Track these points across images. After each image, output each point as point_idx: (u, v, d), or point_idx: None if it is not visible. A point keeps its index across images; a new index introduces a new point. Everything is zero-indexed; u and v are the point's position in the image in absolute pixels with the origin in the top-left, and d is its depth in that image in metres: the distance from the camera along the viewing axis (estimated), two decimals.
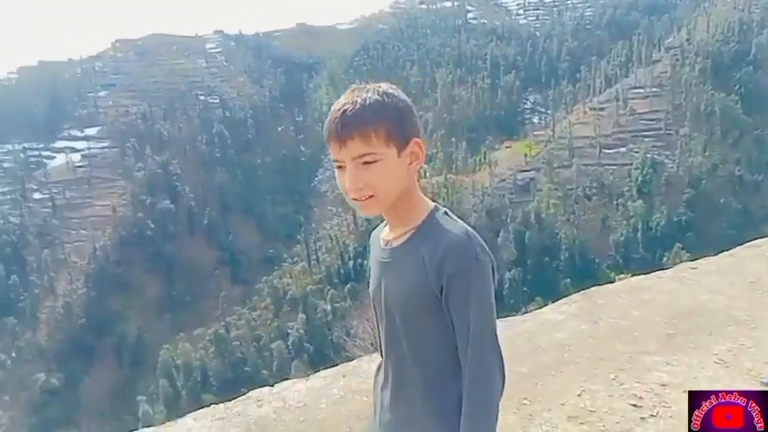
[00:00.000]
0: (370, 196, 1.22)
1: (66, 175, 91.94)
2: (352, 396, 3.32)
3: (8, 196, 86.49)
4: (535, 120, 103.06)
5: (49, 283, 74.50)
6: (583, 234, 70.09)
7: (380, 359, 1.42)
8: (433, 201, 1.30)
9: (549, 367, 3.37)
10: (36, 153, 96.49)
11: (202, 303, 76.71)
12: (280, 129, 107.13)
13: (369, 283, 1.45)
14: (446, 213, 1.29)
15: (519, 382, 3.26)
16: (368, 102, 1.20)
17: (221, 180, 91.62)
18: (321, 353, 52.99)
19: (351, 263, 69.08)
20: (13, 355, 65.25)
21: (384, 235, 1.37)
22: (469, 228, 1.25)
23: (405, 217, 1.29)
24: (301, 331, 61.42)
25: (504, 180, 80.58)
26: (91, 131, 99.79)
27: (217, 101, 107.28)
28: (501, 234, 68.78)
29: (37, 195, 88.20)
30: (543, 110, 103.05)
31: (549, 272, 64.78)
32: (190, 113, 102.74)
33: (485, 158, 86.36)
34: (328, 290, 66.86)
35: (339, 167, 1.24)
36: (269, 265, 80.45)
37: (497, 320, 1.22)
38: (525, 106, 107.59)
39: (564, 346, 3.59)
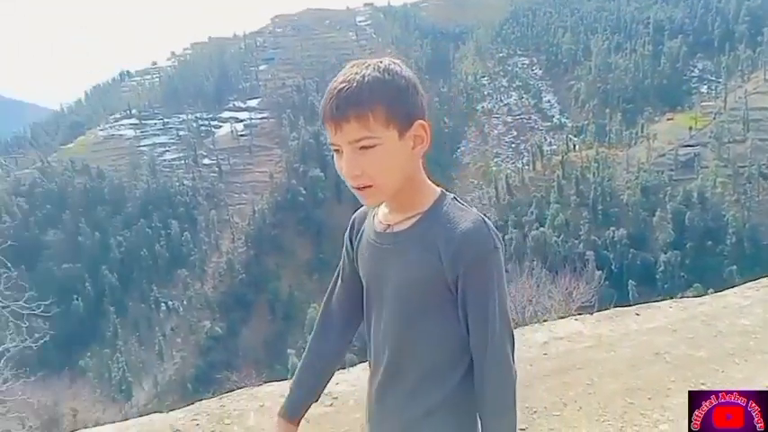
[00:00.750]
0: (369, 185, 1.12)
1: (230, 142, 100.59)
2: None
3: (182, 161, 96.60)
4: (703, 89, 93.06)
5: (215, 240, 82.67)
6: (755, 217, 62.83)
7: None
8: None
9: (731, 354, 3.20)
10: (206, 122, 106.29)
11: None
12: None
13: (343, 267, 1.36)
14: (455, 200, 1.21)
15: (695, 366, 3.13)
16: (366, 80, 1.08)
17: None
18: None
19: None
20: (185, 303, 73.60)
21: (381, 217, 1.26)
22: (483, 215, 1.19)
23: (408, 203, 1.20)
24: None
25: (663, 155, 74.23)
26: (252, 103, 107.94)
27: None
28: (657, 214, 63.88)
29: (206, 161, 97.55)
30: (714, 78, 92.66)
31: (712, 257, 59.13)
32: None
33: (642, 131, 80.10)
34: None
35: (336, 151, 1.13)
36: None
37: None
38: (692, 74, 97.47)
39: (749, 333, 3.37)
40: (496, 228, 1.06)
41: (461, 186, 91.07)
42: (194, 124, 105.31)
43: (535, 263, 14.83)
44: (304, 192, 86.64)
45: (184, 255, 78.87)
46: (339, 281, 1.38)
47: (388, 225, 1.23)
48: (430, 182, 1.23)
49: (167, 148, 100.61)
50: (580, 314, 4.14)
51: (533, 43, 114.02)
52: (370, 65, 1.11)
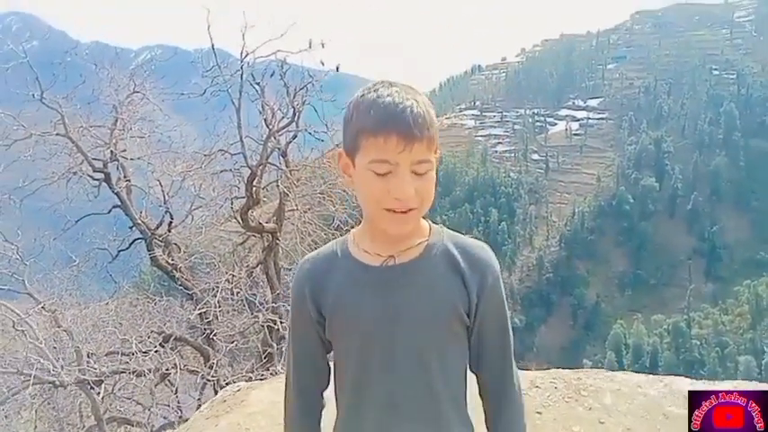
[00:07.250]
0: (414, 208, 1.05)
1: (562, 140, 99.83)
2: None
3: (512, 154, 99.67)
4: None
5: (529, 235, 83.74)
6: None
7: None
8: None
9: None
10: (542, 119, 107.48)
11: (667, 290, 73.05)
12: None
13: (302, 335, 1.19)
14: (443, 225, 1.21)
15: None
16: (422, 102, 1.03)
17: (717, 165, 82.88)
18: None
19: None
20: None
21: (370, 249, 1.13)
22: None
23: (414, 231, 1.13)
24: None
25: None
26: (593, 102, 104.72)
27: (733, 76, 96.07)
28: None
29: (535, 156, 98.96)
30: None
31: None
32: (698, 89, 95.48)
33: None
34: None
35: (381, 172, 1.02)
36: (755, 268, 69.80)
37: None
38: None
39: None
40: None
41: None
42: (530, 120, 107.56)
43: None
44: (632, 200, 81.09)
45: (498, 243, 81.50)
46: (304, 351, 1.21)
47: (389, 257, 1.12)
48: None
49: (500, 141, 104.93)
50: None
51: None
52: (412, 89, 1.06)
